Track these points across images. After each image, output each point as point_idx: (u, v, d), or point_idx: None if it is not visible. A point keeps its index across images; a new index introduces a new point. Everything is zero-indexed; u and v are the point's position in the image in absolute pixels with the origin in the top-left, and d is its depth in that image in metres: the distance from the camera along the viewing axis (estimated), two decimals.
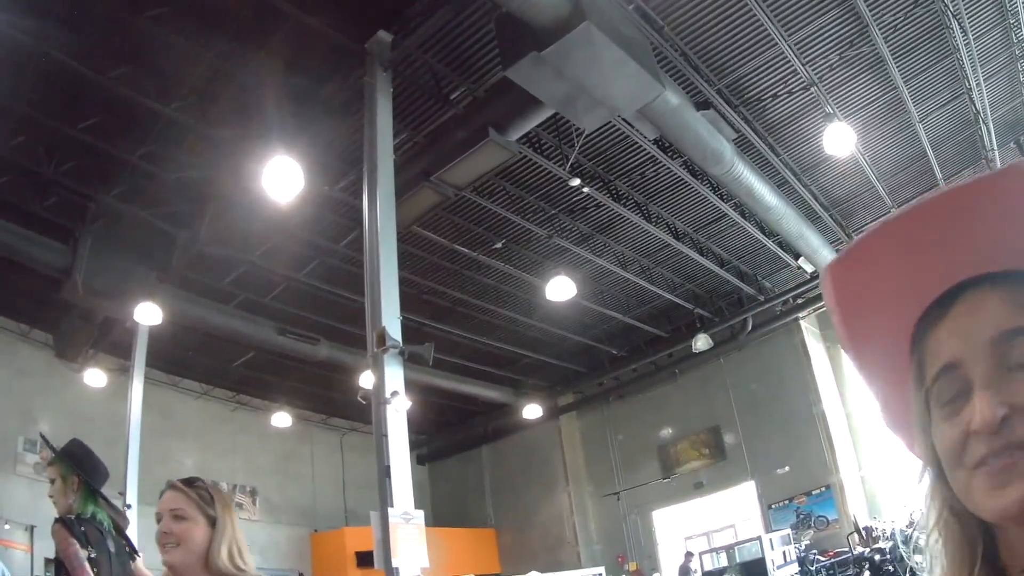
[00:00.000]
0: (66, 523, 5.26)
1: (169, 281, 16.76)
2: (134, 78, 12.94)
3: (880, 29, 14.20)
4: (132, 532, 16.36)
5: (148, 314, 16.30)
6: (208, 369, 23.42)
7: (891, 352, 1.35)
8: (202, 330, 19.41)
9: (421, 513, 10.60)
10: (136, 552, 5.94)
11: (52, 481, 5.61)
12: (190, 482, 3.72)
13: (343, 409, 26.05)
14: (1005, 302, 1.21)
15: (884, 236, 1.26)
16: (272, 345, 20.28)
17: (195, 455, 23.16)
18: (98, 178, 14.91)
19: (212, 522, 3.61)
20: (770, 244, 19.88)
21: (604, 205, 17.41)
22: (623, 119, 14.19)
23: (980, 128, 17.27)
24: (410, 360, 11.91)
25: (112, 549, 5.50)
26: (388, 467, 10.49)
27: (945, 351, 1.23)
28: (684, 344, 23.94)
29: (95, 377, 19.72)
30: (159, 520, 3.58)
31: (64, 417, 19.88)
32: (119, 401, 17.66)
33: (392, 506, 10.25)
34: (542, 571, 21.19)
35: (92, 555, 5.27)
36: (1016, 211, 1.20)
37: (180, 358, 22.02)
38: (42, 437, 6.07)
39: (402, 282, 14.69)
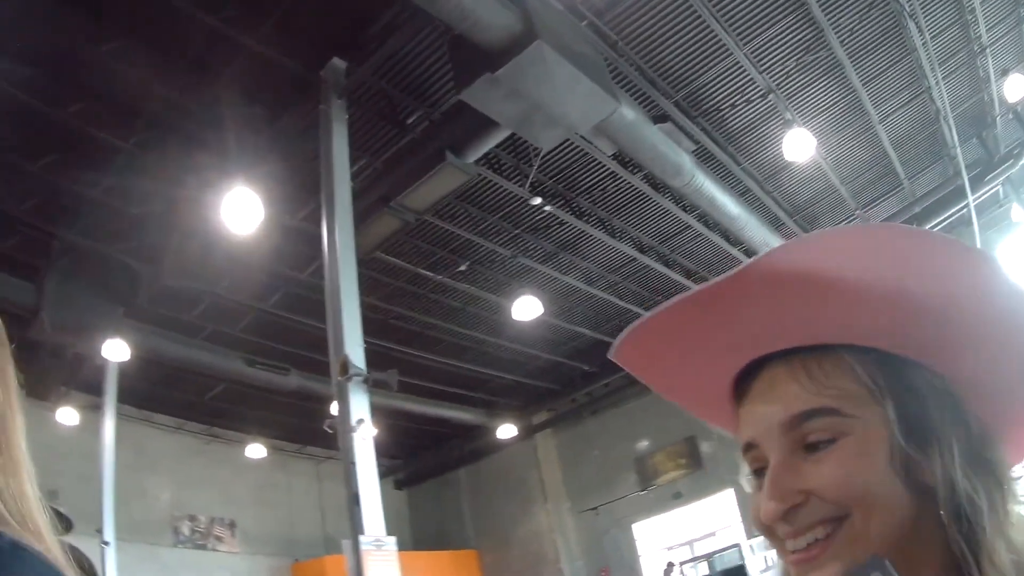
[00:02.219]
0: None
1: (135, 316, 16.71)
2: (92, 112, 12.90)
3: (836, 33, 14.23)
4: (111, 568, 16.38)
5: (116, 350, 16.25)
6: (180, 403, 23.30)
7: (714, 406, 1.41)
8: (172, 364, 19.32)
9: (394, 539, 10.61)
10: None
11: None
12: None
13: (318, 438, 25.86)
14: (797, 381, 1.22)
15: (677, 313, 1.27)
16: (242, 376, 20.20)
17: (170, 489, 23.05)
18: (61, 214, 14.83)
19: None
20: (736, 252, 19.88)
21: (567, 222, 17.37)
22: (581, 136, 14.19)
23: (942, 126, 17.31)
24: (375, 387, 11.90)
25: None
26: (357, 494, 10.51)
27: (745, 430, 1.27)
28: None
29: (68, 415, 19.62)
30: None
31: (38, 455, 19.59)
32: (92, 437, 17.58)
33: (363, 533, 10.23)
34: None
35: None
36: (800, 288, 1.18)
37: (151, 393, 21.89)
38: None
39: (369, 308, 14.71)
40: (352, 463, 10.75)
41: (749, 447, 1.25)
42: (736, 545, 22.07)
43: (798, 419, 1.18)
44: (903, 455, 1.14)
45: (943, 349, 1.21)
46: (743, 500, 24.06)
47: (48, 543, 1.68)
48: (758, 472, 1.24)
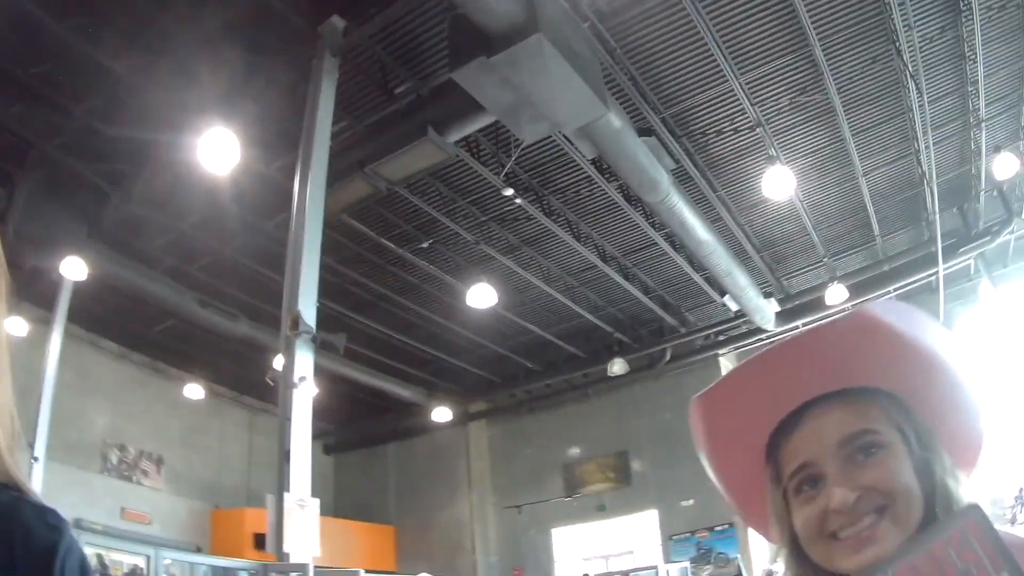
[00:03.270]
0: None
1: (99, 238, 16.65)
2: (90, 29, 12.87)
3: (835, 79, 14.34)
4: (36, 486, 16.34)
5: (74, 268, 16.17)
6: (127, 332, 23.17)
7: (749, 465, 1.76)
8: (126, 291, 19.19)
9: (316, 501, 10.64)
10: None
11: None
12: None
13: (256, 389, 25.72)
14: (846, 411, 1.61)
15: (743, 375, 1.71)
16: (192, 316, 20.09)
17: (107, 416, 22.95)
18: (42, 126, 14.80)
19: None
20: (697, 278, 19.97)
21: (535, 218, 17.42)
22: (563, 135, 14.23)
23: (924, 190, 17.40)
24: (322, 348, 11.95)
25: None
26: (288, 451, 10.54)
27: (801, 454, 1.61)
28: (600, 366, 23.98)
29: (16, 325, 19.52)
30: None
31: None
32: (37, 352, 17.51)
33: (288, 491, 10.25)
34: (436, 575, 21.12)
35: None
36: (846, 346, 1.63)
37: (102, 317, 21.78)
38: None
39: (327, 270, 14.67)
40: (288, 419, 10.78)
41: (803, 468, 1.60)
42: (654, 567, 22.14)
43: (850, 438, 1.56)
44: (920, 463, 1.55)
45: (916, 391, 1.65)
46: (665, 523, 24.21)
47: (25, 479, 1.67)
48: (808, 490, 1.59)
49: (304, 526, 10.31)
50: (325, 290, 12.63)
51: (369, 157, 13.69)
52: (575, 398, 26.45)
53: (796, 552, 1.62)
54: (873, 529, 1.48)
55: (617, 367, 23.28)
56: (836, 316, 1.67)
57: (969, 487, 1.61)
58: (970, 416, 1.70)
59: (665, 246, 18.54)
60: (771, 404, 1.68)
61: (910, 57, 13.71)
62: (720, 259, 17.68)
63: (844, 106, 15.07)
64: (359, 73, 13.62)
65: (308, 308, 11.40)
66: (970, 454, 1.73)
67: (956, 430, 1.68)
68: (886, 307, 1.65)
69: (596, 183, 16.45)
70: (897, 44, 13.41)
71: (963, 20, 13.55)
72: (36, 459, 16.04)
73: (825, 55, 13.79)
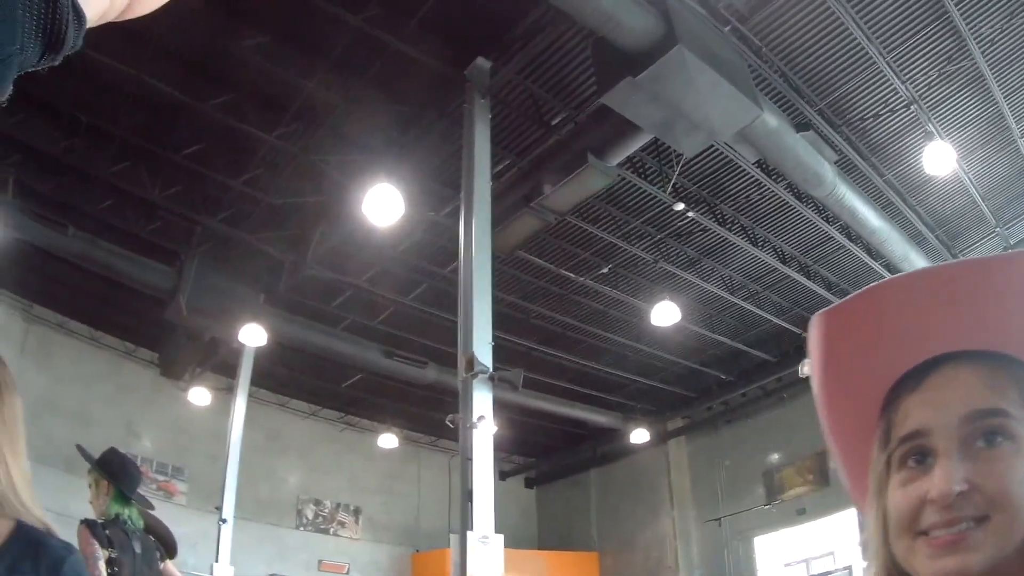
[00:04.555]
0: (89, 525, 5.41)
1: (275, 303, 17.03)
2: (235, 105, 13.27)
3: (978, 43, 13.97)
4: (225, 545, 16.83)
5: (253, 335, 16.56)
6: (316, 390, 23.68)
7: (861, 412, 1.42)
8: (310, 352, 19.61)
9: (500, 537, 10.64)
10: (168, 553, 6.06)
11: (90, 487, 5.77)
12: None
13: (452, 431, 25.97)
14: (981, 381, 1.28)
15: (878, 297, 1.36)
16: (379, 368, 20.45)
17: (299, 473, 23.50)
18: (203, 203, 15.26)
19: None
20: (876, 266, 19.61)
21: (710, 229, 17.30)
22: (724, 142, 14.15)
23: None
24: (501, 384, 12.00)
25: (138, 550, 5.61)
26: (471, 491, 10.60)
27: (915, 418, 1.31)
28: (792, 369, 23.72)
29: (199, 395, 20.05)
30: None
31: (167, 432, 20.37)
32: (223, 419, 17.96)
33: (472, 529, 10.30)
34: None
35: (114, 555, 5.35)
36: (1012, 296, 1.30)
37: (288, 379, 22.30)
38: (79, 448, 5.92)
39: (511, 307, 14.81)
40: (469, 459, 10.86)
41: (913, 436, 1.30)
42: (848, 567, 21.85)
43: (977, 416, 1.25)
44: None
45: None
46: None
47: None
48: (911, 467, 1.29)
49: (488, 563, 10.37)
50: (509, 326, 12.80)
51: (534, 191, 13.78)
52: (771, 404, 26.17)
53: (885, 539, 1.32)
54: (965, 534, 1.20)
55: (808, 367, 22.90)
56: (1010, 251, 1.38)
57: None
58: None
59: (841, 238, 18.25)
60: (895, 348, 1.37)
61: None
62: (895, 245, 17.39)
63: (992, 69, 14.65)
64: (513, 110, 13.78)
65: (483, 347, 11.50)
66: None
67: None
68: None
69: (764, 185, 16.33)
70: None
71: None
72: (224, 520, 16.43)
73: (964, 19, 13.45)
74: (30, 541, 2.31)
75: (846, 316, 1.40)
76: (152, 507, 6.12)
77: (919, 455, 1.28)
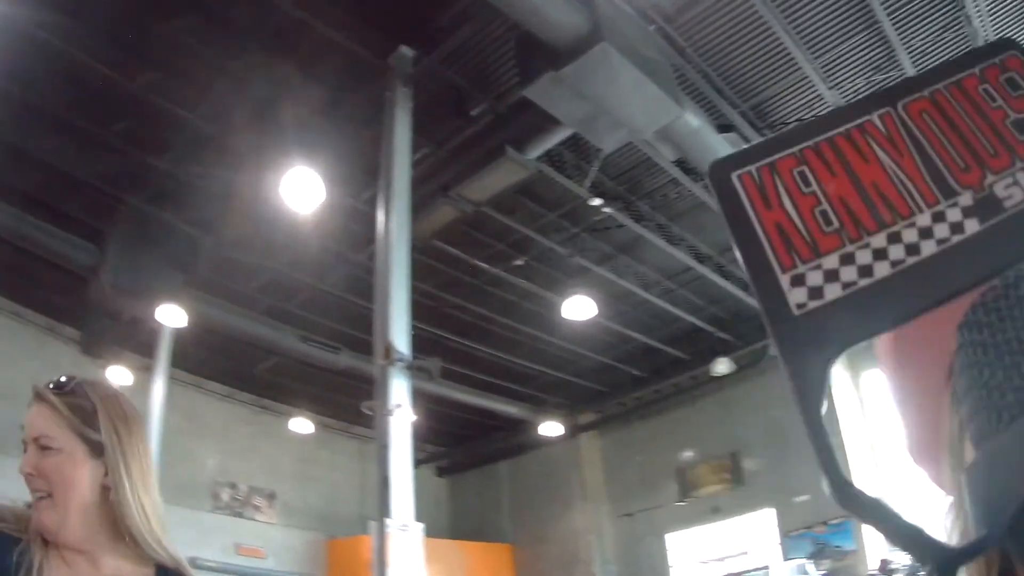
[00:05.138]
0: None
1: (195, 284, 16.89)
2: (163, 85, 13.15)
3: (908, 54, 14.14)
4: None
5: (172, 316, 16.42)
6: (232, 373, 23.50)
7: (930, 366, 1.15)
8: (227, 334, 19.48)
9: (421, 526, 10.67)
10: None
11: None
12: (62, 387, 2.47)
13: (364, 418, 25.91)
14: None
15: None
16: (295, 352, 20.33)
17: (216, 456, 23.27)
18: (127, 181, 15.08)
19: (99, 451, 2.38)
20: None
21: (625, 225, 17.32)
22: (645, 140, 14.21)
23: None
24: (418, 373, 12.01)
25: None
26: (387, 478, 10.57)
27: None
28: (705, 367, 23.91)
29: (120, 375, 19.80)
30: (24, 452, 2.41)
31: None
32: (142, 398, 17.77)
33: (390, 517, 10.30)
34: None
35: None
36: None
37: (205, 360, 22.11)
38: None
39: (425, 296, 14.76)
40: (386, 447, 10.83)
41: None
42: (765, 567, 22.05)
43: None
44: None
45: None
46: (781, 519, 23.98)
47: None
48: None
49: (408, 550, 10.38)
50: (423, 315, 12.79)
51: (452, 181, 13.79)
52: (683, 401, 26.30)
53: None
54: None
55: (722, 367, 23.17)
56: None
57: None
58: None
59: None
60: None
61: (980, 23, 13.60)
62: None
63: None
64: (434, 100, 13.69)
65: (400, 336, 11.46)
66: None
67: None
68: None
69: (682, 184, 16.38)
70: (966, 10, 13.26)
71: None
72: None
73: (895, 29, 13.63)
74: None
75: None
76: None
77: None
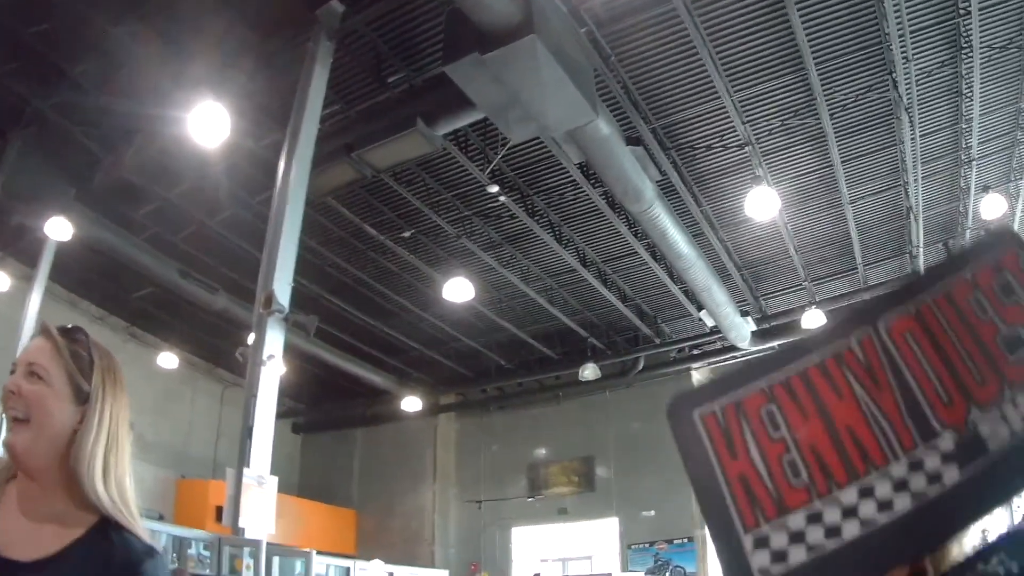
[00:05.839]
0: None
1: (86, 201, 16.67)
2: None
3: (829, 105, 14.40)
4: None
5: (59, 228, 16.20)
6: (107, 295, 23.20)
7: None
8: (108, 256, 19.17)
9: (275, 479, 10.65)
10: None
11: None
12: (69, 333, 2.71)
13: (230, 362, 25.57)
14: None
15: None
16: (173, 285, 20.03)
17: None
18: (38, 84, 14.84)
19: (83, 400, 2.54)
20: (675, 290, 20.00)
21: (518, 217, 17.43)
22: (552, 137, 14.28)
23: (910, 223, 17.48)
24: (294, 328, 12.01)
25: None
26: (251, 428, 10.55)
27: None
28: (572, 369, 24.05)
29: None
30: (12, 373, 2.54)
31: None
32: (17, 308, 17.53)
33: (248, 467, 10.29)
34: (394, 563, 21.14)
35: None
36: None
37: (83, 279, 21.79)
38: None
39: (308, 250, 14.70)
40: (254, 396, 10.78)
41: None
42: (608, 574, 22.26)
43: None
44: None
45: None
46: (626, 532, 24.26)
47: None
48: None
49: (261, 503, 10.32)
50: (304, 270, 12.78)
51: (357, 142, 13.69)
52: (545, 399, 26.52)
53: None
54: None
55: (589, 372, 23.32)
56: None
57: None
58: None
59: (645, 256, 18.58)
60: None
61: (906, 89, 13.79)
62: (699, 274, 17.72)
63: (836, 132, 15.09)
64: (354, 59, 13.64)
65: (283, 287, 11.40)
66: None
67: None
68: None
69: (581, 187, 16.45)
70: (894, 75, 13.47)
71: (963, 57, 13.63)
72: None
73: (821, 80, 13.82)
74: (108, 537, 2.37)
75: None
76: None
77: None
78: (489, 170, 15.56)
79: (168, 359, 24.87)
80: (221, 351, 24.88)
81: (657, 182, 15.13)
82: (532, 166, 16.50)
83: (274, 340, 11.23)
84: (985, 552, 1.30)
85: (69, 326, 2.75)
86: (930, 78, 14.30)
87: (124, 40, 13.52)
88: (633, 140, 14.32)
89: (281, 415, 29.07)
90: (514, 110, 11.75)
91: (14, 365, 2.55)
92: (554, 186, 17.07)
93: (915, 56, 13.47)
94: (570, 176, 16.25)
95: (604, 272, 20.45)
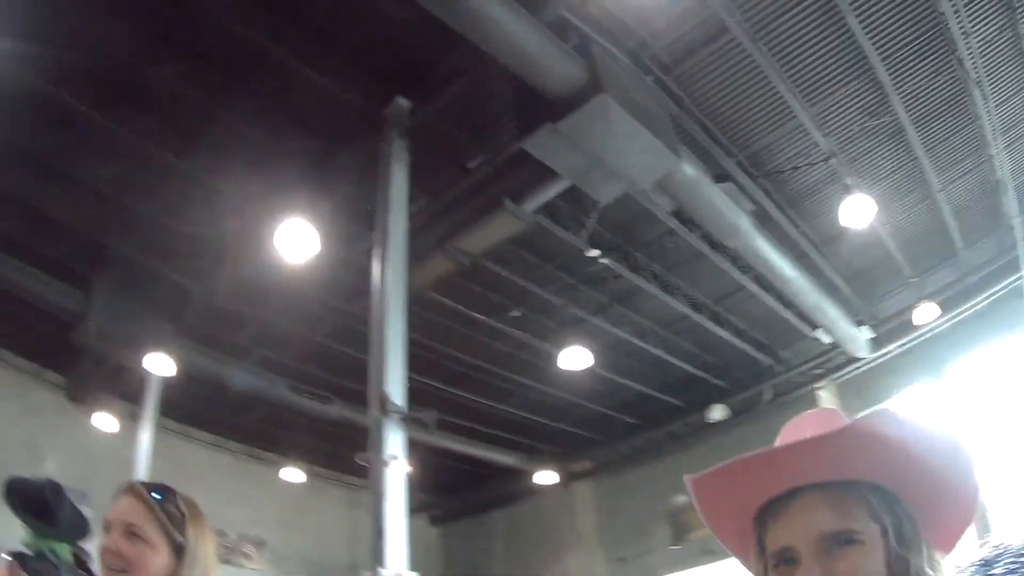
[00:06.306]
0: (19, 558, 5.13)
1: (183, 333, 16.78)
2: (153, 131, 13.05)
3: (901, 98, 14.17)
4: None
5: (159, 364, 16.31)
6: (220, 422, 23.37)
7: (740, 528, 2.08)
8: (216, 384, 19.34)
9: (415, 575, 10.62)
10: None
11: None
12: (160, 491, 3.07)
13: (355, 467, 25.73)
14: (831, 509, 1.83)
15: (734, 467, 2.01)
16: (285, 402, 20.23)
17: (204, 504, 23.04)
18: (114, 227, 14.98)
19: (178, 551, 2.92)
20: (788, 315, 19.69)
21: (622, 276, 17.22)
22: (641, 190, 14.13)
23: (1002, 196, 17.12)
24: (415, 424, 11.96)
25: None
26: (382, 528, 10.56)
27: (783, 538, 1.89)
28: (701, 413, 23.82)
29: (106, 422, 19.64)
30: (107, 530, 2.87)
31: (72, 458, 19.78)
32: (128, 446, 17.65)
33: (383, 567, 10.25)
34: None
35: None
36: (840, 449, 1.86)
37: (194, 409, 21.98)
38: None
39: (420, 347, 14.63)
40: (380, 497, 10.78)
41: (784, 550, 1.88)
42: None
43: (830, 536, 1.80)
44: (895, 558, 1.78)
45: (905, 485, 1.87)
46: None
47: None
48: (783, 564, 1.89)
49: None
50: (418, 366, 12.69)
51: (448, 232, 13.67)
52: (677, 448, 26.14)
53: None
54: None
55: (717, 413, 23.08)
56: (834, 431, 1.91)
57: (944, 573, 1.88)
58: (959, 502, 1.91)
59: (754, 288, 18.28)
60: (760, 486, 1.99)
61: (971, 64, 13.58)
62: (808, 295, 17.48)
63: (913, 123, 14.87)
64: (430, 151, 13.60)
65: (395, 387, 11.44)
66: (954, 533, 1.94)
67: (943, 514, 1.90)
68: (882, 418, 1.85)
69: (679, 234, 16.22)
70: (957, 53, 13.26)
71: (1019, 18, 13.36)
72: None
73: (889, 74, 13.65)
74: None
75: (718, 477, 2.07)
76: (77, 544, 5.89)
77: (789, 561, 1.87)
78: (585, 235, 15.37)
79: (292, 474, 25.01)
80: (344, 458, 24.86)
81: (751, 212, 14.93)
82: (627, 222, 16.36)
83: (394, 440, 11.27)
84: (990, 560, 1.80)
85: (157, 484, 3.10)
86: (992, 46, 13.95)
87: (193, 171, 13.60)
88: (721, 177, 14.17)
89: (416, 510, 29.07)
90: (598, 171, 11.62)
91: (107, 522, 2.87)
92: (652, 238, 16.93)
93: (973, 29, 13.20)
94: (666, 225, 16.06)
95: (716, 312, 20.22)
